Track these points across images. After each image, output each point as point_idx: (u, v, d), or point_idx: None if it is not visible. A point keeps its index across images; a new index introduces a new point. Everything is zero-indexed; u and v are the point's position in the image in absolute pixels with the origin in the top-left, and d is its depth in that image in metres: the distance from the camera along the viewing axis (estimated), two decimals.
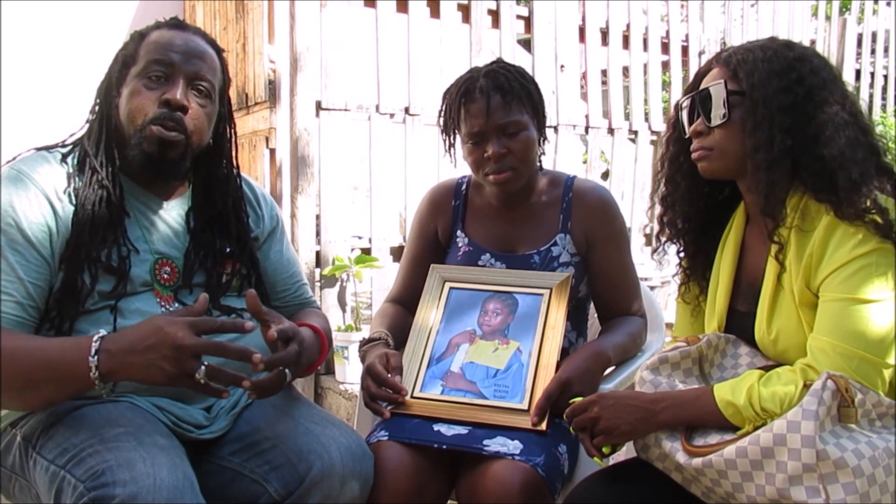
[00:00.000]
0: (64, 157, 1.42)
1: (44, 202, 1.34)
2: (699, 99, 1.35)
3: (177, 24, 1.48)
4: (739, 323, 1.39)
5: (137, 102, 1.39)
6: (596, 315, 1.82)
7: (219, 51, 1.51)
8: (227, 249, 1.52)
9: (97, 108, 1.46)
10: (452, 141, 1.74)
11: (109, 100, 1.44)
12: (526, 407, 1.50)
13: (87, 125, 1.47)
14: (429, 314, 1.70)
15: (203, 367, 1.20)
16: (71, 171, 1.40)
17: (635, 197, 4.41)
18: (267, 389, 1.32)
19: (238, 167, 1.60)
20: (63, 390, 1.25)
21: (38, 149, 1.44)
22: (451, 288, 1.73)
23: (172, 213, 1.49)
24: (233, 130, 1.58)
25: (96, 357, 1.20)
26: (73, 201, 1.37)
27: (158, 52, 1.41)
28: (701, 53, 4.75)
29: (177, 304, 1.43)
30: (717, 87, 1.32)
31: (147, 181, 1.47)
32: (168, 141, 1.39)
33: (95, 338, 1.22)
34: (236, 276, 1.53)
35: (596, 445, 1.31)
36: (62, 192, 1.37)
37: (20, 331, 1.29)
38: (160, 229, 1.46)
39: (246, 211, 1.59)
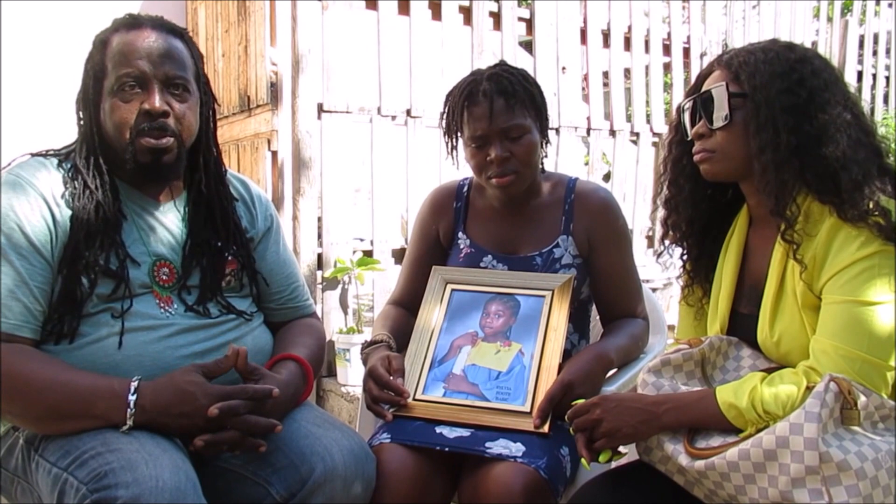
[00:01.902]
0: (60, 163, 1.42)
1: (43, 206, 1.35)
2: (701, 101, 1.35)
3: (133, 22, 1.43)
4: (742, 325, 1.39)
5: (119, 118, 1.39)
6: (598, 317, 1.82)
7: (182, 34, 1.48)
8: (227, 250, 1.52)
9: (81, 121, 1.45)
10: (455, 143, 1.74)
11: (89, 114, 1.43)
12: (528, 409, 1.50)
13: (78, 138, 1.46)
14: (431, 316, 1.70)
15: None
16: (67, 176, 1.40)
17: (637, 199, 4.41)
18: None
19: (219, 148, 1.57)
20: (86, 426, 1.26)
21: (34, 154, 1.44)
22: (452, 290, 1.73)
23: (169, 215, 1.49)
24: (213, 110, 1.55)
25: (133, 410, 1.24)
26: (70, 206, 1.37)
27: (125, 63, 1.38)
28: (703, 55, 4.75)
29: (176, 305, 1.44)
30: (718, 90, 1.32)
31: (143, 184, 1.47)
32: (161, 148, 1.40)
33: (132, 390, 1.25)
34: (234, 276, 1.54)
35: (596, 449, 1.30)
36: (59, 197, 1.37)
37: (31, 336, 1.30)
38: (157, 231, 1.47)
39: (233, 197, 1.58)
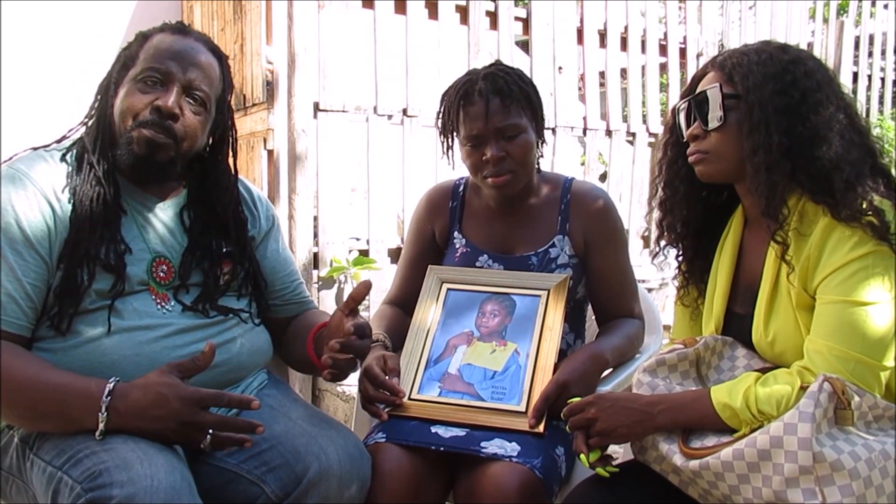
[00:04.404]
0: (63, 156, 1.42)
1: (42, 201, 1.34)
2: (695, 103, 1.35)
3: (181, 29, 1.48)
4: (737, 325, 1.39)
5: (129, 104, 1.40)
6: (594, 317, 1.82)
7: (221, 57, 1.51)
8: (225, 250, 1.53)
9: (96, 105, 1.47)
10: (451, 143, 1.74)
11: (107, 99, 1.44)
12: (523, 409, 1.51)
13: (87, 121, 1.47)
14: (426, 315, 1.70)
15: (208, 437, 1.26)
16: (70, 169, 1.40)
17: (633, 199, 4.41)
18: (342, 369, 1.40)
19: (237, 173, 1.60)
20: (65, 427, 1.26)
21: (35, 148, 1.45)
22: (448, 289, 1.73)
23: (169, 213, 1.50)
24: (233, 137, 1.58)
25: (106, 413, 1.22)
26: (72, 200, 1.37)
27: (156, 58, 1.41)
28: (699, 55, 4.76)
29: (173, 303, 1.44)
30: (712, 91, 1.32)
31: (143, 181, 1.47)
32: (157, 143, 1.40)
33: (106, 392, 1.23)
34: (234, 277, 1.54)
35: (590, 447, 1.31)
36: (60, 192, 1.37)
37: (18, 332, 1.29)
38: (157, 228, 1.47)
39: (244, 214, 1.60)
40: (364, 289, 1.42)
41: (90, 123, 1.46)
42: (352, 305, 1.43)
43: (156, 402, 1.23)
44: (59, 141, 1.48)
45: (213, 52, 1.49)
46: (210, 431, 1.26)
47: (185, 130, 1.43)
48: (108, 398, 1.23)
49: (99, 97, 1.47)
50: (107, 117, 1.43)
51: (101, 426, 1.22)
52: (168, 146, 1.41)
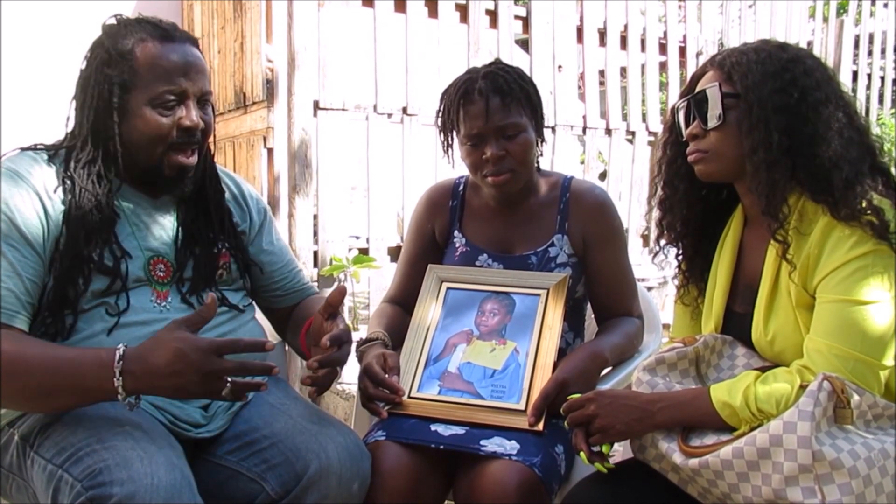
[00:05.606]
0: (50, 158, 1.41)
1: (35, 200, 1.34)
2: (694, 102, 1.35)
3: (167, 35, 1.42)
4: (737, 324, 1.39)
5: (157, 130, 1.40)
6: (593, 316, 1.83)
7: (197, 44, 1.50)
8: (219, 245, 1.54)
9: (86, 121, 1.41)
10: (450, 142, 1.74)
11: (111, 125, 1.39)
12: (523, 407, 1.51)
13: (72, 135, 1.44)
14: (426, 314, 1.70)
15: (228, 385, 1.24)
16: (59, 169, 1.40)
17: (632, 197, 4.41)
18: (322, 385, 1.42)
19: (212, 154, 1.58)
20: (81, 400, 1.26)
21: (24, 149, 1.44)
22: (448, 288, 1.73)
23: (162, 211, 1.50)
24: (212, 125, 1.57)
25: (121, 378, 1.20)
26: (64, 201, 1.37)
27: (166, 78, 1.39)
28: (698, 54, 4.76)
29: (171, 299, 1.44)
30: (712, 90, 1.32)
31: (140, 182, 1.47)
32: (189, 167, 1.44)
33: (117, 358, 1.21)
34: (226, 269, 1.55)
35: (591, 444, 1.31)
36: (52, 192, 1.37)
37: (18, 326, 1.29)
38: (151, 227, 1.47)
39: (228, 207, 1.60)
40: (339, 295, 1.42)
41: (84, 141, 1.41)
42: (329, 311, 1.44)
43: (174, 357, 1.20)
44: (47, 148, 1.45)
45: (196, 44, 1.49)
46: (229, 380, 1.24)
47: (205, 134, 1.47)
48: (121, 362, 1.21)
49: (91, 119, 1.40)
50: (115, 143, 1.39)
51: (119, 389, 1.20)
52: (196, 165, 1.46)
